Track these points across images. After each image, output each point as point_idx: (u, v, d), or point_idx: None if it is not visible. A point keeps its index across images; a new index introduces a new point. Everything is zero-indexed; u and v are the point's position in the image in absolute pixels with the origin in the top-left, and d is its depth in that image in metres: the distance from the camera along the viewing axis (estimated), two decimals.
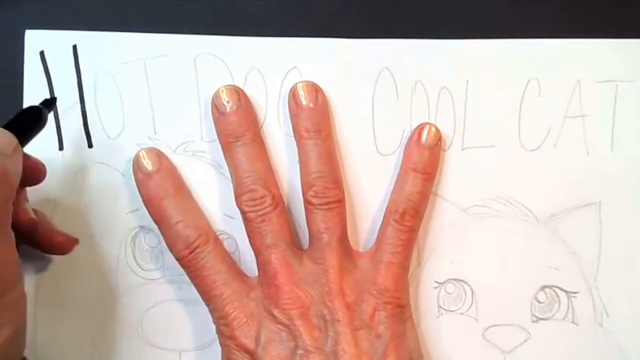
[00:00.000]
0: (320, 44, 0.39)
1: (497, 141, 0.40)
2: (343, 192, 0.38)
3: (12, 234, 0.32)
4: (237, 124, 0.38)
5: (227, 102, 0.38)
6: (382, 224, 0.38)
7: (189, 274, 0.37)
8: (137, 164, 0.38)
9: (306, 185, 0.38)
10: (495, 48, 0.39)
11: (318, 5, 0.39)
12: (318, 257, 0.37)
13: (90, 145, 0.39)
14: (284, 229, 0.37)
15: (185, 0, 0.39)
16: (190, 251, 0.37)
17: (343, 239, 0.37)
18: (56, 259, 0.39)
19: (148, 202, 0.38)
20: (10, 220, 0.32)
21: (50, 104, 0.36)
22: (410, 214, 0.38)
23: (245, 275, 0.38)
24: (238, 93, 0.38)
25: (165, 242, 0.37)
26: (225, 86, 0.38)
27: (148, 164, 0.38)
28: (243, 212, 0.37)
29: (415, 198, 0.38)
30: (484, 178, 0.39)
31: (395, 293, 0.37)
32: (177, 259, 0.37)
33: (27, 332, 0.38)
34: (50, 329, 0.39)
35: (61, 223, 0.39)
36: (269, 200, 0.37)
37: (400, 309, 0.37)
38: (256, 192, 0.37)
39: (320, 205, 0.37)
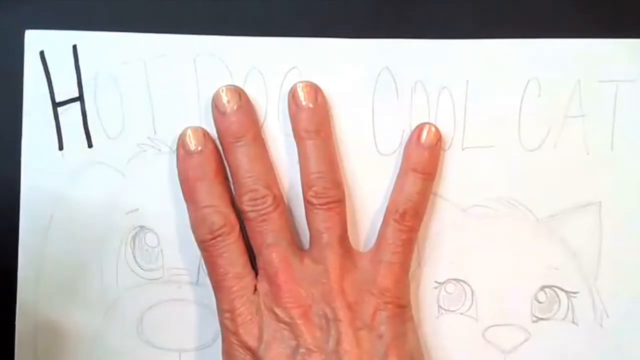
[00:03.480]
0: (320, 44, 0.39)
1: (497, 141, 0.39)
2: (343, 192, 0.38)
3: None
4: (237, 124, 0.38)
5: (228, 102, 0.38)
6: (382, 224, 0.38)
7: (205, 258, 0.38)
8: (181, 141, 0.38)
9: (306, 186, 0.37)
10: (495, 48, 0.39)
11: (318, 5, 0.39)
12: (318, 257, 0.37)
13: (90, 145, 0.39)
14: (284, 229, 0.37)
15: (185, 0, 0.39)
16: (213, 237, 0.37)
17: (343, 239, 0.38)
18: (56, 259, 0.39)
19: (184, 180, 0.38)
20: None
21: None
22: (410, 214, 0.38)
23: (255, 273, 0.38)
24: (239, 93, 0.38)
25: (190, 223, 0.38)
26: (225, 86, 0.38)
27: (192, 142, 0.38)
28: (244, 212, 0.37)
29: (415, 198, 0.38)
30: (484, 178, 0.39)
31: (395, 293, 0.37)
32: (198, 242, 0.37)
33: (28, 332, 0.39)
34: (50, 329, 0.39)
35: (61, 223, 0.39)
36: (269, 200, 0.37)
37: (401, 309, 0.37)
38: (257, 192, 0.37)
39: (321, 205, 0.37)
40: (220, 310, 0.37)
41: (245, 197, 0.37)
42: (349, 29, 0.39)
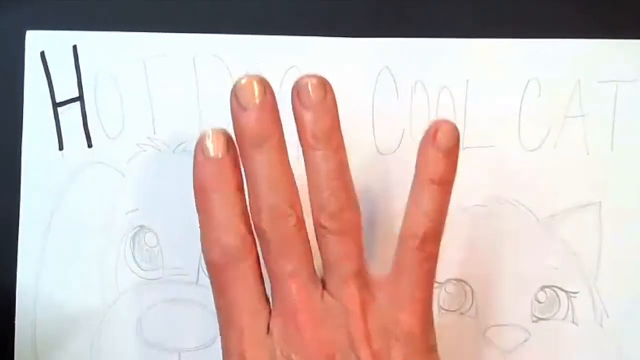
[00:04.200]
0: (320, 43, 0.39)
1: (497, 141, 0.39)
2: (360, 214, 0.32)
3: None
4: (260, 123, 0.31)
5: (252, 94, 0.31)
6: (398, 249, 0.33)
7: (214, 285, 0.32)
8: (200, 144, 0.32)
9: (316, 206, 0.31)
10: (495, 48, 0.39)
11: (318, 5, 0.39)
12: (336, 292, 0.32)
13: (90, 145, 0.39)
14: (306, 257, 0.32)
15: (185, 0, 0.39)
16: (226, 260, 0.31)
17: (362, 269, 0.32)
18: (56, 258, 0.39)
19: (198, 188, 0.32)
20: None
21: None
22: (431, 240, 0.32)
23: (269, 304, 0.32)
24: (264, 86, 0.31)
25: (201, 239, 0.32)
26: (250, 75, 0.32)
27: (211, 147, 0.31)
28: (261, 232, 0.31)
29: (435, 217, 0.32)
30: (484, 178, 0.39)
31: (423, 336, 0.32)
32: (207, 264, 0.32)
33: (27, 332, 0.39)
34: (50, 328, 0.39)
35: (60, 223, 0.39)
36: (293, 220, 0.31)
37: (429, 354, 0.32)
38: (278, 209, 0.31)
39: (335, 231, 0.31)
40: (226, 351, 0.32)
41: (265, 215, 0.31)
42: (349, 29, 0.39)
